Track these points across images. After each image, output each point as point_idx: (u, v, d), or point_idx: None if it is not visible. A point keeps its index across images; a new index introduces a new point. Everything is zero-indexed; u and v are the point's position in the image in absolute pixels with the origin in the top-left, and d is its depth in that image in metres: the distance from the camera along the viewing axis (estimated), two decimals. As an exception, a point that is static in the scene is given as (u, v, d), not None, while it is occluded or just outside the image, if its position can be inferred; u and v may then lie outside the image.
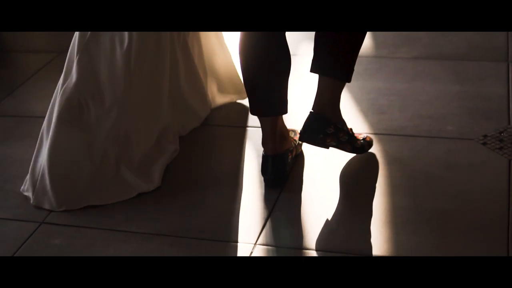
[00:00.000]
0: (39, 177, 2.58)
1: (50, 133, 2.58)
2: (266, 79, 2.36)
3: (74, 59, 2.63)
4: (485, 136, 2.76)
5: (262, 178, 2.61)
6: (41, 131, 2.67)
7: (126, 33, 2.60)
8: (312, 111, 2.46)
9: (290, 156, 2.60)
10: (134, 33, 2.60)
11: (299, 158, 2.72)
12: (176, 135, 2.83)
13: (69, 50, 2.68)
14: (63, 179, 2.50)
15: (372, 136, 2.81)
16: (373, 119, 2.91)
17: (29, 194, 2.61)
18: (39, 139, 2.67)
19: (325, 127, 2.45)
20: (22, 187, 2.65)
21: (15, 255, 2.33)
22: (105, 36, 2.61)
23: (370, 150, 2.72)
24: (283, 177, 2.57)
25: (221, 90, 3.09)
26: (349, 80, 2.41)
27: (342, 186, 2.56)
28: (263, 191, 2.58)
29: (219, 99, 3.09)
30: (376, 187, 2.54)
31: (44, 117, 2.70)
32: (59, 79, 3.45)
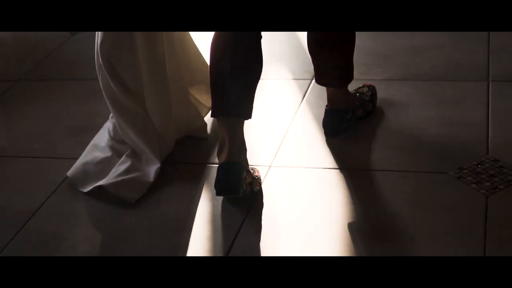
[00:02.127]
0: None
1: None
2: (234, 76, 2.29)
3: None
4: (460, 168, 2.52)
5: (216, 225, 2.40)
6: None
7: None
8: (327, 107, 2.68)
9: (245, 175, 2.40)
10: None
11: (258, 198, 2.49)
12: None
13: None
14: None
15: (336, 172, 2.57)
16: (337, 151, 2.67)
17: None
18: None
19: (344, 116, 2.67)
20: None
21: None
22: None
23: (334, 187, 2.51)
24: (235, 188, 2.37)
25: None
26: (352, 78, 2.66)
27: (303, 232, 2.33)
28: (217, 236, 2.36)
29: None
30: (340, 232, 2.31)
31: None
32: (13, 111, 3.25)
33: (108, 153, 2.69)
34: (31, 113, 3.27)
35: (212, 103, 2.35)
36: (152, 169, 2.59)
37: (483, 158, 2.56)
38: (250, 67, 2.31)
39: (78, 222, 2.53)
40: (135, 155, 2.64)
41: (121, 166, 2.60)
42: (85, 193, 2.62)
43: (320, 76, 2.67)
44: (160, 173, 2.64)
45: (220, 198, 2.48)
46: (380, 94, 2.99)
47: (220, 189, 2.38)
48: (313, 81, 2.90)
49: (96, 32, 2.57)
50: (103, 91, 2.63)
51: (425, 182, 2.50)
